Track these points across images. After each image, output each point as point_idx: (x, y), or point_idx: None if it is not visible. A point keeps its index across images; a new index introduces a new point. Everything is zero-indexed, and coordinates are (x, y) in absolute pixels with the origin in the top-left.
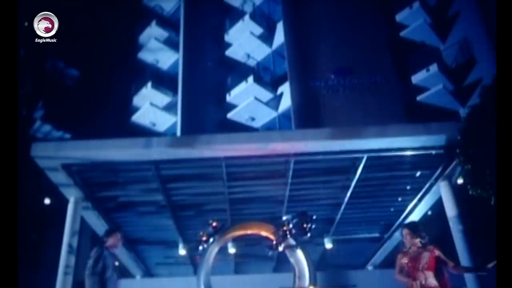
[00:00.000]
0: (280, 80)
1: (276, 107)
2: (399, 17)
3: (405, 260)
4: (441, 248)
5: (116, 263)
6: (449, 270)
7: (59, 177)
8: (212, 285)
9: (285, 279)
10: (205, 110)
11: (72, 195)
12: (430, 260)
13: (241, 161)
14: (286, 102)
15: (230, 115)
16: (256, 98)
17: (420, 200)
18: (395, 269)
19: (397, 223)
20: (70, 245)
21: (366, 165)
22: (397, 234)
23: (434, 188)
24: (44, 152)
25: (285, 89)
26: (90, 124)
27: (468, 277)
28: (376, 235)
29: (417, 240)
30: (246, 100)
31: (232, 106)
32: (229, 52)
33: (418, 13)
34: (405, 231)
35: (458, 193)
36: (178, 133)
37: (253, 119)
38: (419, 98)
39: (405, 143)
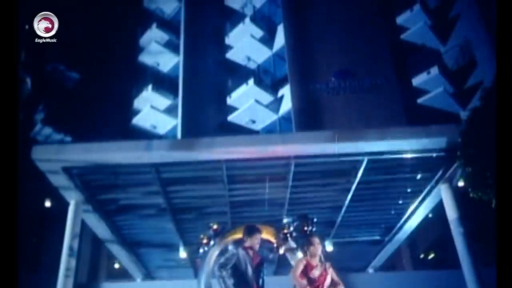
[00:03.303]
0: (280, 82)
1: (276, 110)
2: (399, 19)
3: (316, 270)
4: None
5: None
6: None
7: (59, 180)
8: None
9: (286, 281)
10: (205, 112)
11: (73, 198)
12: (332, 278)
13: (242, 164)
14: (286, 105)
15: (230, 117)
16: (256, 101)
17: (421, 202)
18: (296, 269)
19: (398, 226)
20: (71, 248)
21: (367, 167)
22: (398, 237)
23: (434, 191)
24: (44, 155)
25: (285, 91)
26: (91, 127)
27: (469, 279)
28: (377, 238)
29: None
30: (246, 102)
31: (232, 109)
32: (229, 55)
33: (418, 15)
34: (319, 241)
35: (458, 195)
36: (179, 136)
37: (253, 121)
38: (419, 100)
39: (405, 145)
